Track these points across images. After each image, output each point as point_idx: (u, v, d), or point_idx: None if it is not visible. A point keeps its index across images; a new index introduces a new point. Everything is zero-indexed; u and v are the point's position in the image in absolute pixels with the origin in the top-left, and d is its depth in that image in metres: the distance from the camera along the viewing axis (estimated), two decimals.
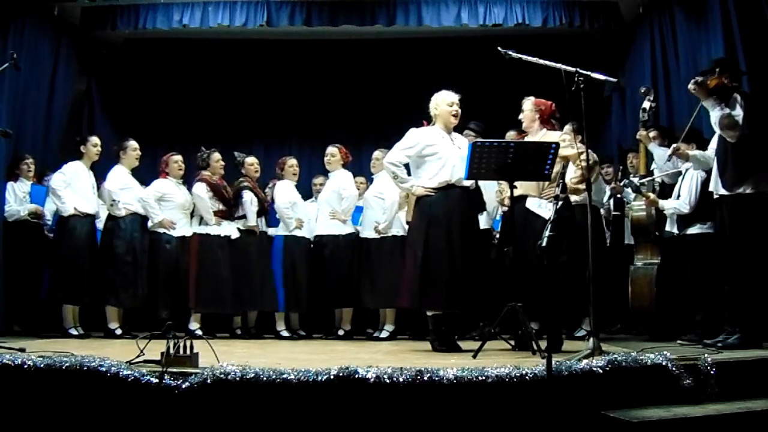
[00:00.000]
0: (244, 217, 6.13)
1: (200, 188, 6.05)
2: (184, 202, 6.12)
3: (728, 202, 4.26)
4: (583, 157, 3.85)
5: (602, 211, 6.10)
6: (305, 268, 6.15)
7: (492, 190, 5.54)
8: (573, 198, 4.61)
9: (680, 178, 4.99)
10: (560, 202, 4.14)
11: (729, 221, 4.26)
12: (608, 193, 6.12)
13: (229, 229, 6.09)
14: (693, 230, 4.85)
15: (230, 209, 6.12)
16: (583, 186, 4.18)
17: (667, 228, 5.10)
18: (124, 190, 5.92)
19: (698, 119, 4.78)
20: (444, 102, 4.67)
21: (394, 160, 4.72)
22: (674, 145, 4.69)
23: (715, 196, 4.36)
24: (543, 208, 4.35)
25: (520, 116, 4.62)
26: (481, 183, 5.20)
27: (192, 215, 6.18)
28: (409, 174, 4.80)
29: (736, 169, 4.20)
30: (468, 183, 4.63)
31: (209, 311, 6.02)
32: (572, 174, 4.48)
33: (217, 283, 5.92)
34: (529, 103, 4.59)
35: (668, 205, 4.97)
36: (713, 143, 4.52)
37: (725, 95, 4.20)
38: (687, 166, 4.94)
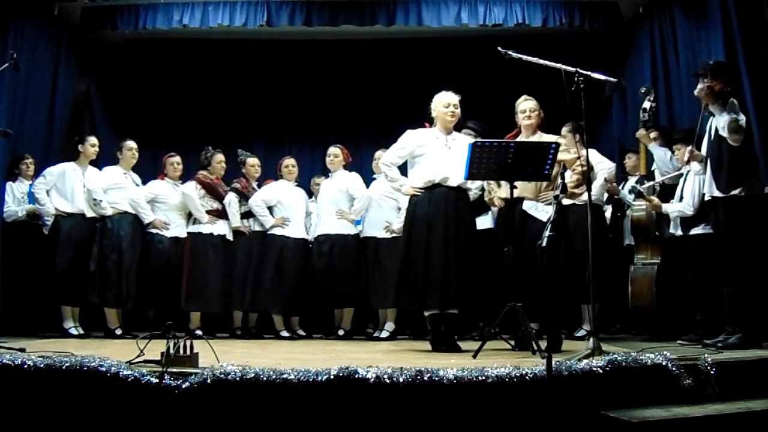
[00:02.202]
0: None
1: (189, 187, 6.09)
2: (179, 203, 6.12)
3: (722, 203, 4.29)
4: (581, 161, 3.84)
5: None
6: (294, 268, 6.10)
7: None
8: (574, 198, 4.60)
9: (682, 180, 4.99)
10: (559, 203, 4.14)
11: (724, 223, 4.29)
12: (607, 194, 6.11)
13: (225, 229, 6.10)
14: (697, 230, 4.85)
15: (225, 209, 6.14)
16: (578, 190, 4.21)
17: (671, 230, 5.10)
18: (113, 190, 5.93)
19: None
20: (441, 103, 4.69)
21: (387, 161, 4.83)
22: (689, 149, 4.58)
23: (707, 198, 4.38)
24: (539, 210, 4.38)
25: (527, 115, 4.51)
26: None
27: (189, 215, 6.17)
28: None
29: (731, 172, 4.23)
30: (469, 183, 4.62)
31: (198, 310, 6.01)
32: (569, 177, 4.47)
33: (206, 282, 5.93)
34: (534, 104, 4.54)
35: (672, 209, 4.96)
36: (703, 147, 4.53)
37: (724, 100, 4.22)
38: (688, 168, 4.94)
